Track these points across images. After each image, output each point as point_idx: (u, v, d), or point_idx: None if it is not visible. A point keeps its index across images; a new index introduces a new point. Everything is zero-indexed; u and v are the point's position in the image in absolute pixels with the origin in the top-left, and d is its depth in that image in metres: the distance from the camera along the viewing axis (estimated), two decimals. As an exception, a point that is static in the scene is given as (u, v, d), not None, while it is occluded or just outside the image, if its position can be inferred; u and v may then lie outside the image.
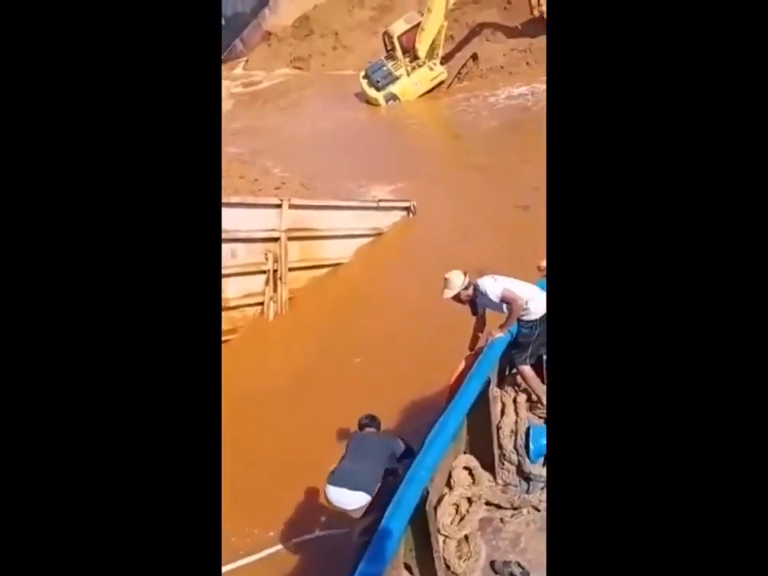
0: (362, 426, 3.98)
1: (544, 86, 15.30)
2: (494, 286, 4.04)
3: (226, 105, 20.48)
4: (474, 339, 4.37)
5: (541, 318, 4.01)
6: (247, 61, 25.54)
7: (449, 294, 4.16)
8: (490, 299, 4.07)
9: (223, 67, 25.33)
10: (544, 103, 14.07)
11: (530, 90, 15.57)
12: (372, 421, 4.01)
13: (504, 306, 4.03)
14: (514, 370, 4.22)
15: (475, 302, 4.23)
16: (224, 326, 6.73)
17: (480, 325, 4.37)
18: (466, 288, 4.13)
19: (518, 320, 4.02)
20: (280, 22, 25.76)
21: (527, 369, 4.07)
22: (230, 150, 13.80)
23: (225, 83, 23.31)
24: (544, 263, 4.46)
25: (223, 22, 26.99)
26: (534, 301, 4.01)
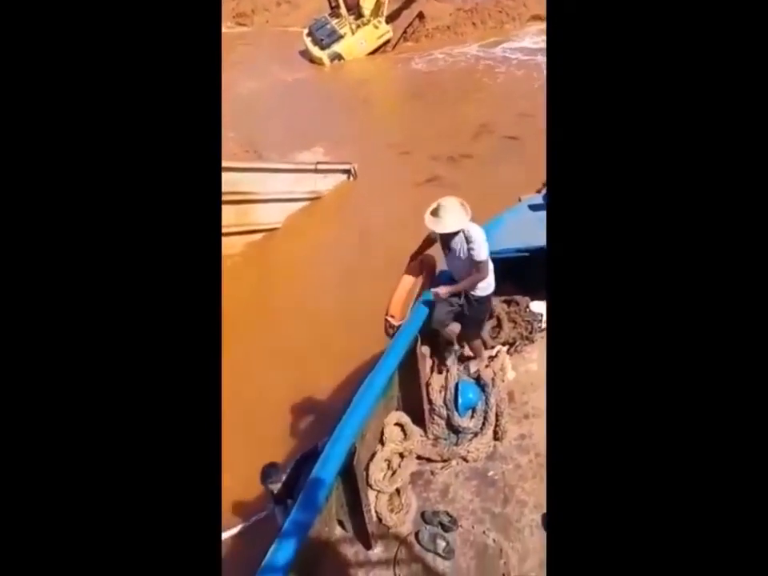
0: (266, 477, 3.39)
1: (489, 48, 15.34)
2: (483, 245, 3.47)
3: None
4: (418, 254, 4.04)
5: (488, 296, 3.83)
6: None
7: (445, 227, 3.41)
8: (469, 252, 3.50)
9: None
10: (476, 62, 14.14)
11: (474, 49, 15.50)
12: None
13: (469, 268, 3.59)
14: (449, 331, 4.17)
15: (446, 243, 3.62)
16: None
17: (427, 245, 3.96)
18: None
19: (467, 294, 3.74)
20: (221, -25, 24.64)
21: (478, 343, 4.00)
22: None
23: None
24: None
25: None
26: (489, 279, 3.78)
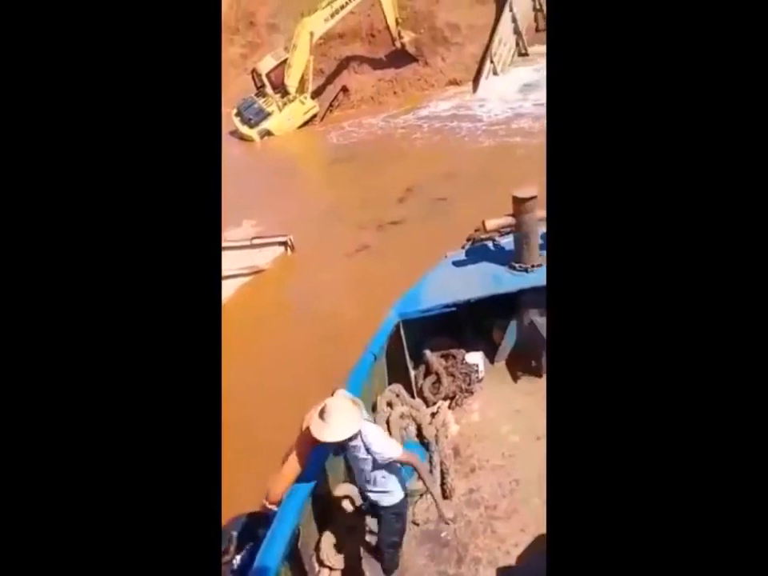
0: None
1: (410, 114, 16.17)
2: (385, 444, 3.01)
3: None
4: None
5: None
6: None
7: (334, 435, 2.91)
8: (374, 457, 3.02)
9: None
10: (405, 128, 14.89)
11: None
12: None
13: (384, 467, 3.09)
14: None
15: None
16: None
17: None
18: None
19: (383, 508, 3.21)
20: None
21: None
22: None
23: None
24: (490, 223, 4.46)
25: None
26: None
